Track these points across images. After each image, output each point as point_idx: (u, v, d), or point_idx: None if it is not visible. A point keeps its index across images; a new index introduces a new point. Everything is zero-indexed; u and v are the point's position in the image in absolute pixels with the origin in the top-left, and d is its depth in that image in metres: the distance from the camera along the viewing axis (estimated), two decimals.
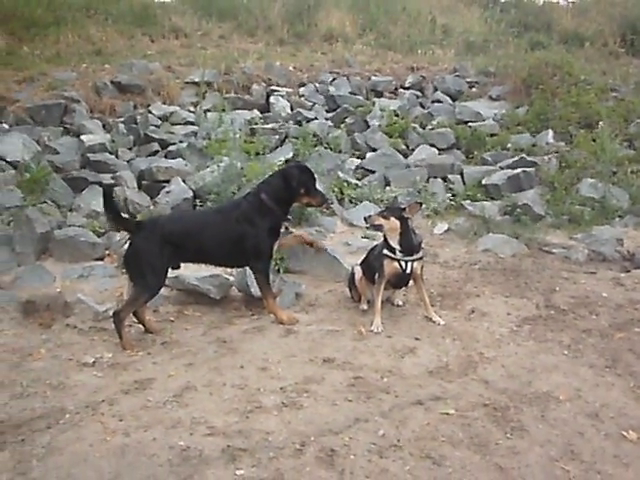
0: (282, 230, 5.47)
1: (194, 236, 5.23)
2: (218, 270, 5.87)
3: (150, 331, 5.30)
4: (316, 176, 5.63)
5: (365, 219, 5.54)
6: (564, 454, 3.60)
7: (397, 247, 5.26)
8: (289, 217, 5.62)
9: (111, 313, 5.16)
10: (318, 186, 5.61)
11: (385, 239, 5.37)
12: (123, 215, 5.43)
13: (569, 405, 4.09)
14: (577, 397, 4.19)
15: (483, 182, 9.03)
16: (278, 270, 6.20)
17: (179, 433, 3.70)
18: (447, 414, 3.94)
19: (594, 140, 9.90)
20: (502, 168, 9.36)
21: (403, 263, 5.25)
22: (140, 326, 5.32)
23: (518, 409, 4.03)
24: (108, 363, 4.73)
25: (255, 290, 5.65)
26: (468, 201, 8.56)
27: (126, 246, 5.24)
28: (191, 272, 5.78)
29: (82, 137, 9.12)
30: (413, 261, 5.28)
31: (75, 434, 3.72)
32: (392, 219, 5.28)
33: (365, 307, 5.68)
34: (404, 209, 5.36)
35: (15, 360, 4.77)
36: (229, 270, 5.96)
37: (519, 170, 8.98)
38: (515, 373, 4.50)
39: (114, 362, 4.74)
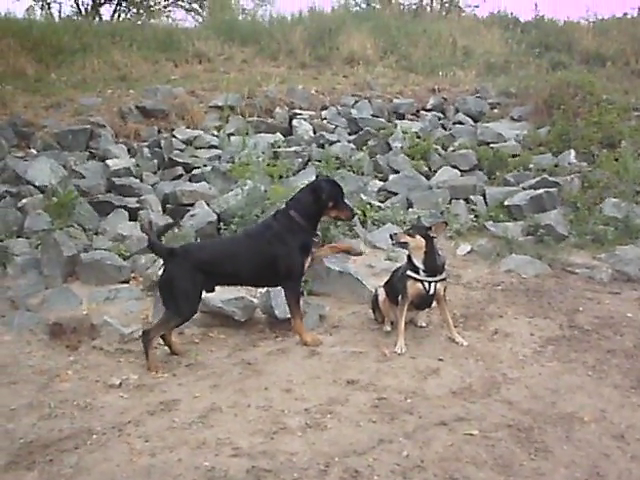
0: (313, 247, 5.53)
1: (226, 263, 5.30)
2: (242, 292, 5.91)
3: (175, 353, 5.35)
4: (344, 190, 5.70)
5: (391, 236, 5.59)
6: (589, 476, 3.58)
7: (421, 267, 5.28)
8: (318, 233, 5.67)
9: (140, 333, 5.24)
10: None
11: (409, 258, 5.39)
12: (158, 242, 5.46)
13: (594, 426, 4.07)
14: (602, 418, 4.17)
15: (505, 203, 8.99)
16: (302, 292, 6.23)
17: (204, 454, 3.75)
18: (471, 435, 3.95)
19: (617, 160, 9.82)
20: (524, 189, 9.31)
21: (426, 284, 5.27)
22: (166, 348, 5.37)
23: (542, 430, 4.02)
24: (134, 384, 4.79)
25: (279, 312, 5.71)
26: (491, 222, 8.53)
27: (160, 272, 5.32)
28: (216, 294, 5.81)
29: (107, 161, 9.28)
30: (436, 282, 5.30)
31: (102, 454, 3.78)
32: (418, 237, 5.30)
33: (389, 328, 5.69)
34: (430, 228, 5.40)
35: (43, 381, 4.86)
36: (253, 292, 6.00)
37: (541, 190, 8.93)
38: (539, 394, 4.49)
39: (140, 383, 4.80)
